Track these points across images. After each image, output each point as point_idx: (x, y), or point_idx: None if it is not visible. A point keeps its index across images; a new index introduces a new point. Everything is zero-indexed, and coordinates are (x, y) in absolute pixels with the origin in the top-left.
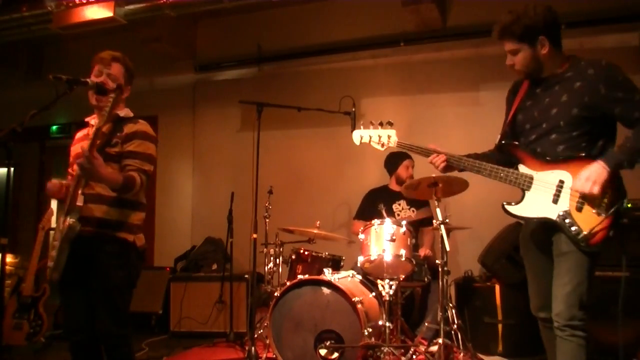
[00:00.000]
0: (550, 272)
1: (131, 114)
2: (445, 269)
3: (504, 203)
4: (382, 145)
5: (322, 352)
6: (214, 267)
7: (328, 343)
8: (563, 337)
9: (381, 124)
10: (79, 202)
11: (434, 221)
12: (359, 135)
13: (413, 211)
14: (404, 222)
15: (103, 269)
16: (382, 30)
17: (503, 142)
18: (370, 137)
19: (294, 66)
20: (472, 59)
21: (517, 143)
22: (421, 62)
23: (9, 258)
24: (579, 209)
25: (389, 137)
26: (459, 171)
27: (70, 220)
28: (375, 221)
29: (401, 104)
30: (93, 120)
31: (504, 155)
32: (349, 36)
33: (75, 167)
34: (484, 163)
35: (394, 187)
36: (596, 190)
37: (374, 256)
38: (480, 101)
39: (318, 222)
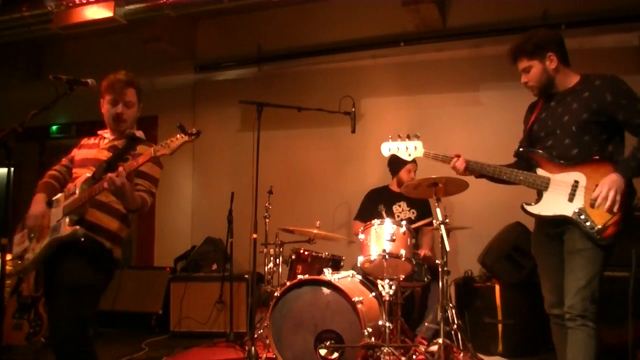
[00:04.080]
0: (563, 269)
1: (144, 137)
2: (445, 269)
3: (524, 204)
4: (409, 155)
5: (322, 352)
6: (214, 267)
7: (328, 343)
8: (574, 327)
9: (408, 137)
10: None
11: (434, 221)
12: (388, 147)
13: (413, 212)
14: (404, 222)
15: (75, 270)
16: (382, 30)
17: (522, 149)
18: (398, 149)
19: (294, 66)
20: (472, 59)
21: (534, 149)
22: (421, 62)
23: (9, 258)
24: (593, 206)
25: (415, 148)
26: (476, 177)
27: (70, 223)
28: (375, 221)
29: (401, 104)
30: (106, 133)
31: (523, 163)
32: (349, 36)
33: (106, 180)
34: (504, 167)
35: (395, 188)
36: (618, 198)
37: (374, 256)
38: (480, 101)
39: (318, 222)
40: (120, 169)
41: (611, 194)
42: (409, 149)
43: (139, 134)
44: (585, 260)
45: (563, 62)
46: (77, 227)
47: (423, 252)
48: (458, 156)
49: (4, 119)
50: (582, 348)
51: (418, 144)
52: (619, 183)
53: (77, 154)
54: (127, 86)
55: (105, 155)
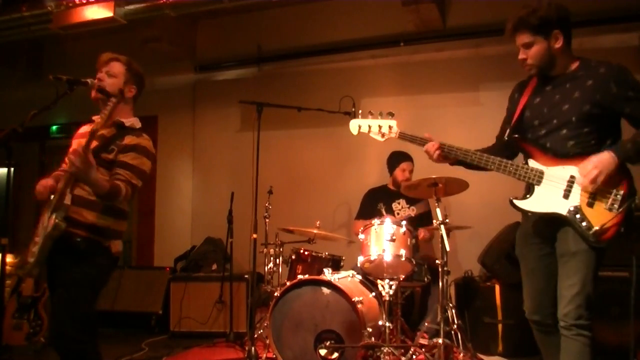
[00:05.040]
0: (547, 273)
1: (138, 125)
2: (445, 269)
3: (512, 198)
4: (383, 135)
5: (322, 352)
6: (214, 267)
7: (328, 343)
8: (569, 336)
9: (381, 114)
10: (67, 201)
11: (434, 221)
12: (357, 124)
13: (412, 210)
14: (404, 222)
15: (69, 267)
16: (382, 30)
17: (513, 135)
18: (370, 127)
19: (294, 66)
20: (472, 59)
21: (527, 138)
22: (421, 62)
23: (9, 258)
24: (590, 205)
25: (390, 127)
26: (451, 164)
27: (56, 218)
28: (375, 221)
29: (401, 104)
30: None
31: (508, 150)
32: (349, 36)
33: (67, 161)
34: (491, 156)
35: (393, 186)
36: (600, 179)
37: (374, 256)
38: (480, 101)
39: (318, 222)
40: (77, 145)
41: (593, 173)
42: (383, 129)
43: (130, 122)
44: (579, 264)
45: (567, 43)
46: (58, 219)
47: (422, 233)
48: (431, 140)
49: (4, 119)
50: (578, 358)
51: (392, 122)
52: (608, 162)
53: (73, 144)
54: (112, 60)
55: (93, 145)
